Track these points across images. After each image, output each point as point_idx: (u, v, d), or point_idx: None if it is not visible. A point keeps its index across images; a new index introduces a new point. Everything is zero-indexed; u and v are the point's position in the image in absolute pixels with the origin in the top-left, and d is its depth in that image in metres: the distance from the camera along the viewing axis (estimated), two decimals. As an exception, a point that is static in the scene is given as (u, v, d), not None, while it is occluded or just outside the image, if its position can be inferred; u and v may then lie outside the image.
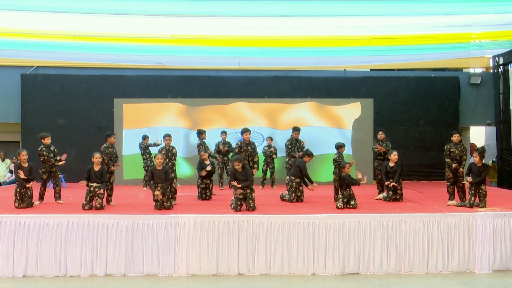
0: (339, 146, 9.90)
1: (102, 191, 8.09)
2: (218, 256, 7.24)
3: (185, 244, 7.21)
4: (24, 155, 8.28)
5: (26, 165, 8.29)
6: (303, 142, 11.54)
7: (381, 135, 10.29)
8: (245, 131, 10.47)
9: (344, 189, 8.36)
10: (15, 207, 8.12)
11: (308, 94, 14.19)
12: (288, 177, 9.18)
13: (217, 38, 12.03)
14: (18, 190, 8.18)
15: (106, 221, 7.24)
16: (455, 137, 8.94)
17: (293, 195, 9.01)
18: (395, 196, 9.12)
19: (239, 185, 7.91)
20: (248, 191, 8.00)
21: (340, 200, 8.27)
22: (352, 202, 8.29)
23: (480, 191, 8.23)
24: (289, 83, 14.87)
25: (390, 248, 7.35)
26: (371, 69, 15.83)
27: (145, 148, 11.87)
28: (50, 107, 14.40)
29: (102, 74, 14.70)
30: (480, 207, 8.08)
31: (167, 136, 9.62)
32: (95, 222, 7.23)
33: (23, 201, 8.17)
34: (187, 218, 7.29)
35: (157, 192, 7.97)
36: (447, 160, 8.92)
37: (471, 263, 7.44)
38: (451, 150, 8.91)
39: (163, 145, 9.62)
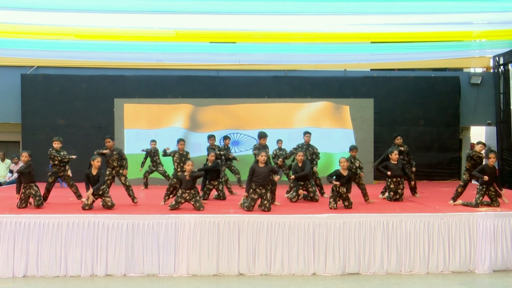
0: (351, 149, 9.39)
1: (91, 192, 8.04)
2: (219, 256, 7.23)
3: (186, 244, 7.20)
4: (25, 156, 8.23)
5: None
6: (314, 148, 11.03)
7: (399, 140, 10.22)
8: (262, 136, 10.14)
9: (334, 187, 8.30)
10: (17, 207, 8.11)
11: (308, 94, 14.19)
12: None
13: (217, 34, 12.05)
14: (23, 191, 8.16)
15: (106, 221, 7.23)
16: (479, 147, 8.96)
17: (294, 194, 9.16)
18: (396, 196, 9.13)
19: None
20: (264, 191, 7.95)
21: (332, 200, 8.21)
22: (346, 203, 8.24)
23: (490, 192, 8.30)
24: (289, 83, 14.85)
25: (390, 248, 7.35)
26: (371, 69, 15.81)
27: (153, 154, 11.86)
28: (50, 107, 14.38)
29: (102, 74, 14.68)
30: (495, 206, 8.17)
31: (182, 141, 9.47)
32: (95, 222, 7.22)
33: (35, 200, 8.13)
34: (187, 218, 7.29)
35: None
36: (476, 173, 8.56)
37: (472, 263, 7.44)
38: (474, 158, 8.89)
39: (176, 149, 9.51)
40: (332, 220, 7.34)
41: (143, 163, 12.09)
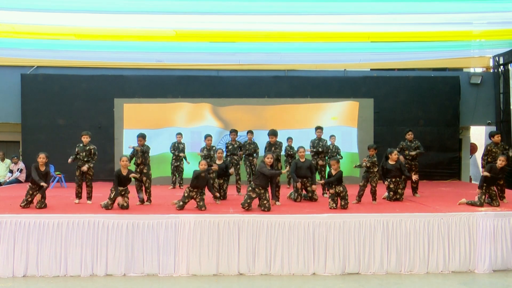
0: (368, 148, 9.24)
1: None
2: (218, 256, 7.23)
3: (185, 244, 7.21)
4: (42, 158, 8.14)
5: (43, 168, 8.17)
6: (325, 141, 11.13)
7: (410, 135, 10.40)
8: (271, 133, 10.06)
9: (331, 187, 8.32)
10: (20, 206, 8.08)
11: (308, 94, 14.19)
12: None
13: (217, 33, 12.05)
14: (30, 192, 8.12)
15: (106, 221, 7.23)
16: (497, 138, 9.31)
17: (296, 194, 9.18)
18: (396, 196, 9.13)
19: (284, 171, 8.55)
20: (263, 191, 7.98)
21: (331, 200, 8.22)
22: (342, 203, 8.22)
23: (490, 191, 8.37)
24: (289, 83, 14.85)
25: (390, 248, 7.35)
26: (371, 69, 15.82)
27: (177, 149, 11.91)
28: (50, 107, 14.38)
29: (102, 74, 14.68)
30: (494, 206, 8.20)
31: (209, 137, 9.91)
32: (95, 222, 7.22)
33: (39, 202, 8.08)
34: (187, 218, 7.29)
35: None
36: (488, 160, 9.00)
37: (472, 263, 7.43)
38: (493, 150, 9.20)
39: (203, 144, 9.96)
40: (332, 220, 7.34)
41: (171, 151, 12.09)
